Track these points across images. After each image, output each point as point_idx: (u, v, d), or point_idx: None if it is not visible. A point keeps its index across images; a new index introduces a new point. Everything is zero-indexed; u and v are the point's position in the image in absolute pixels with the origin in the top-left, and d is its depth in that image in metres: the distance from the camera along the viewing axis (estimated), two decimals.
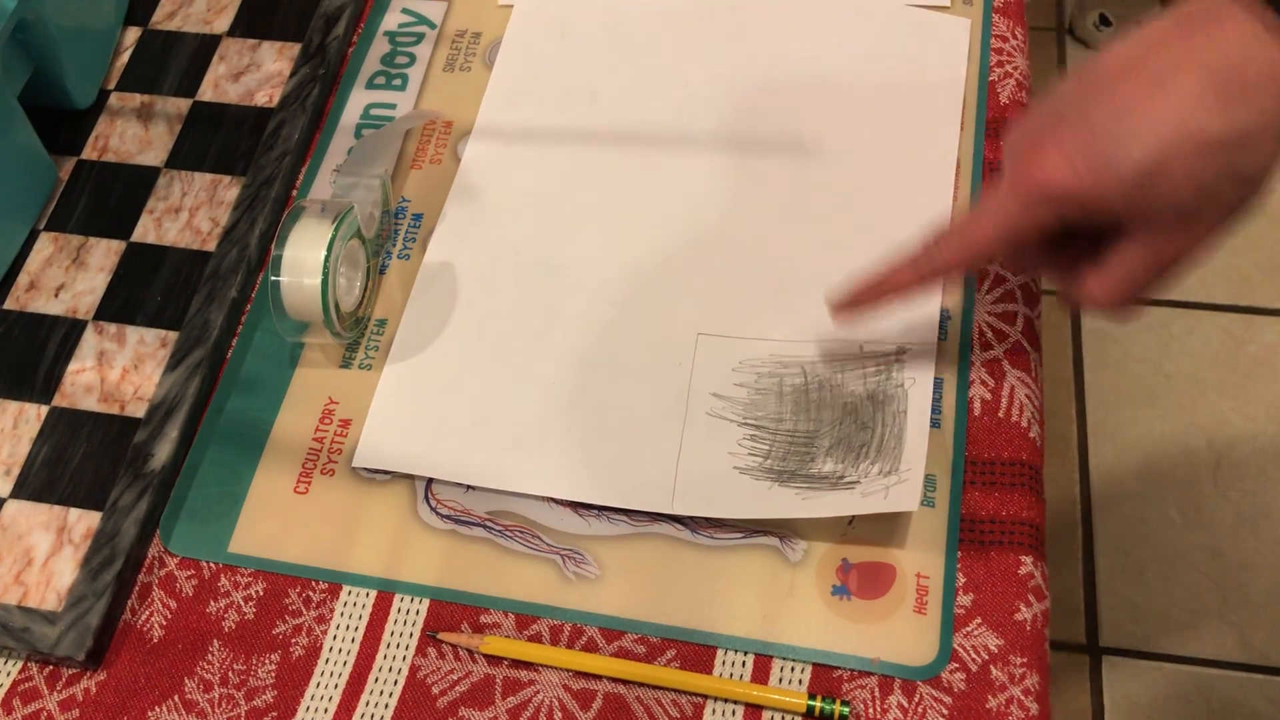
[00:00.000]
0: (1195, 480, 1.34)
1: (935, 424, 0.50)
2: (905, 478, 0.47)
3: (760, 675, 0.45)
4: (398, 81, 0.61)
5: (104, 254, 0.56)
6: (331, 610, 0.47)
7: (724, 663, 0.46)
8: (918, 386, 0.50)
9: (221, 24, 0.63)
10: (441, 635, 0.47)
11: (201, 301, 0.54)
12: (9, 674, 0.47)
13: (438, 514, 0.49)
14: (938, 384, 0.51)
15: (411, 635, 0.47)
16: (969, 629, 0.46)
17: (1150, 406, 1.40)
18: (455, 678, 0.46)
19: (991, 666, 0.45)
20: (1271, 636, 1.24)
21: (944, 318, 0.52)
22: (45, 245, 0.56)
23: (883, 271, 0.46)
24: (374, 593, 0.48)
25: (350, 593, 0.48)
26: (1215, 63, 0.38)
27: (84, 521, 0.49)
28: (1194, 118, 0.38)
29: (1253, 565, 1.28)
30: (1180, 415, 1.39)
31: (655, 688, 0.45)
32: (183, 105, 0.60)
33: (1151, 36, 0.40)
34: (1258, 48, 0.38)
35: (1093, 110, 0.40)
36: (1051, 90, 0.43)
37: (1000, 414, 0.50)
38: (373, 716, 0.45)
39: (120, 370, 0.52)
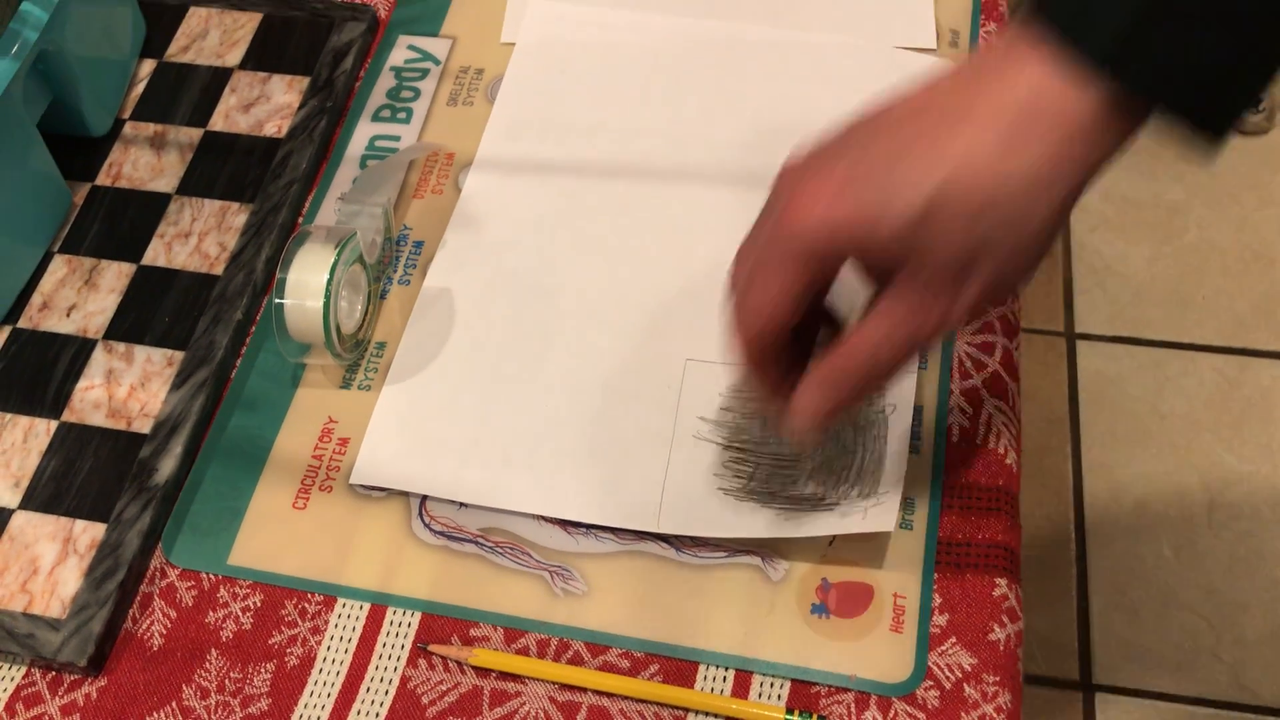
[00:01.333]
0: (1190, 519, 1.34)
1: (915, 450, 0.51)
2: (883, 500, 0.49)
3: (740, 690, 0.47)
4: (402, 115, 0.63)
5: (115, 276, 0.58)
6: (326, 622, 0.49)
7: (705, 677, 0.47)
8: (898, 413, 0.52)
9: (234, 57, 0.65)
10: (432, 647, 0.48)
11: (208, 323, 0.55)
12: (13, 679, 0.48)
13: (431, 530, 0.51)
14: (918, 411, 0.52)
15: (403, 647, 0.48)
16: (944, 648, 0.47)
17: (1145, 446, 1.41)
18: (444, 688, 0.47)
19: (965, 685, 0.46)
20: (1265, 676, 1.25)
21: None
22: (59, 267, 0.58)
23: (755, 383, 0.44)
24: (368, 605, 0.49)
25: (345, 605, 0.49)
26: (1001, 109, 0.36)
27: (89, 533, 0.50)
28: (972, 164, 0.36)
29: (1246, 605, 1.28)
30: (1175, 455, 1.40)
31: (638, 701, 0.47)
32: (194, 134, 0.62)
33: (943, 81, 0.38)
34: (1046, 97, 0.36)
35: (871, 147, 0.38)
36: (830, 131, 0.40)
37: (978, 441, 0.52)
38: None
39: (128, 388, 0.54)
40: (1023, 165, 0.36)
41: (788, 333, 0.41)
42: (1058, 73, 0.35)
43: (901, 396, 0.52)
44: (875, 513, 0.48)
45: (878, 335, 0.39)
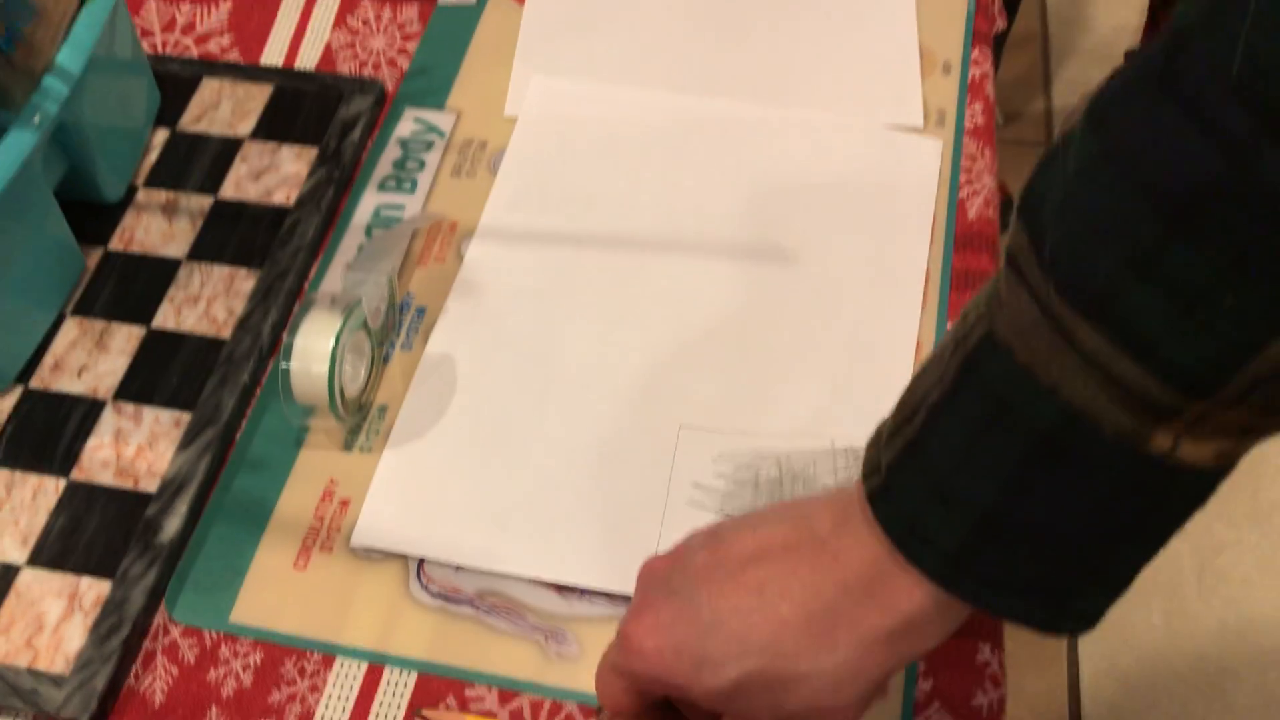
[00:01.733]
0: (1179, 586, 1.35)
1: None
2: None
3: None
4: (408, 185, 0.65)
5: (125, 338, 0.59)
6: (324, 680, 0.50)
7: None
8: None
9: (245, 127, 0.67)
10: (426, 712, 0.49)
11: (215, 385, 0.57)
12: None
13: (428, 592, 0.52)
14: None
15: (399, 706, 0.49)
16: (928, 713, 0.48)
17: None
18: None
19: None
20: None
21: None
22: (71, 329, 0.60)
23: None
24: (365, 665, 0.50)
25: (343, 664, 0.50)
26: (819, 597, 0.37)
27: (94, 589, 0.51)
28: (784, 653, 0.37)
29: (1236, 672, 1.29)
30: None
31: None
32: (205, 202, 0.64)
33: (778, 538, 0.39)
34: (878, 585, 0.36)
35: (701, 596, 0.39)
36: (685, 542, 0.41)
37: None
38: None
39: (136, 447, 0.55)
40: (837, 660, 0.37)
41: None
42: (891, 567, 0.36)
43: None
44: None
45: None
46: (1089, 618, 0.35)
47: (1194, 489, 0.33)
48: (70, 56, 0.56)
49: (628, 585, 0.51)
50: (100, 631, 0.50)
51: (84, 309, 0.60)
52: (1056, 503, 0.33)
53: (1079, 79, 1.82)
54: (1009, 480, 0.33)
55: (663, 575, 0.41)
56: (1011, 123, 1.81)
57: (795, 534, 0.39)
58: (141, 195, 0.65)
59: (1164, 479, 0.32)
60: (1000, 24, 0.82)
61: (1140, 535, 0.34)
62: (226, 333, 0.59)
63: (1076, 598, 0.35)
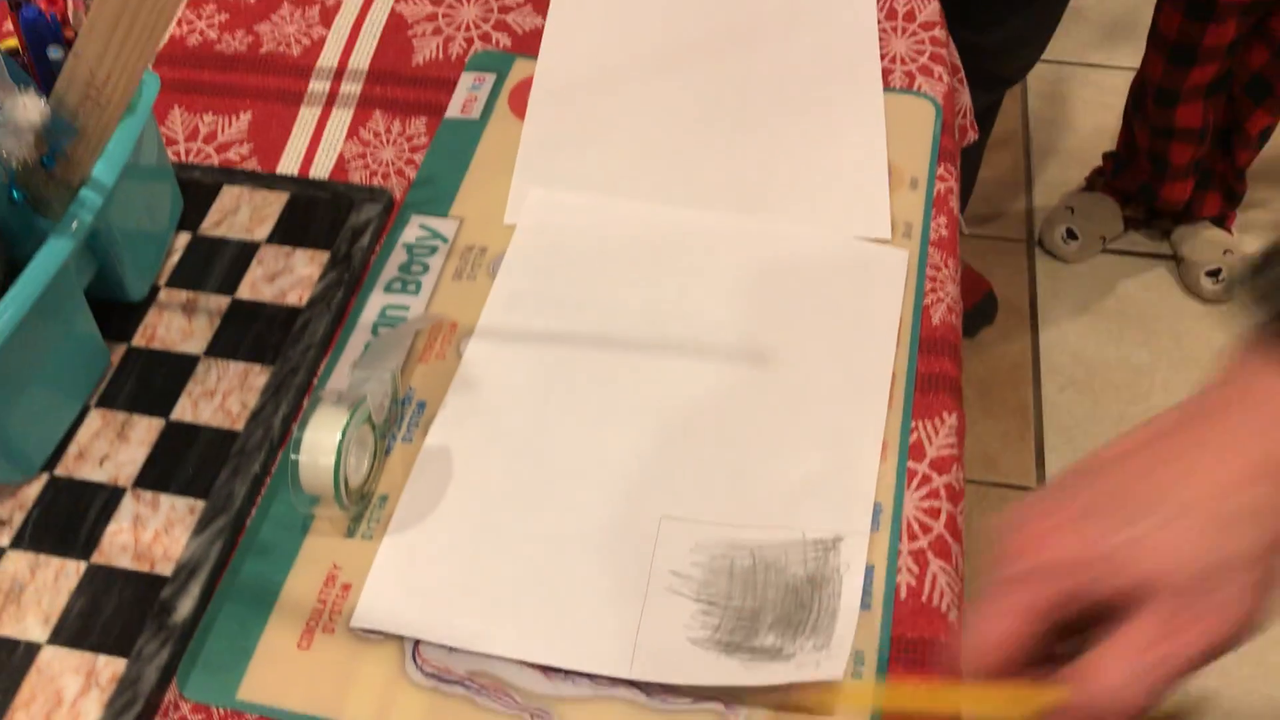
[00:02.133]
0: None
1: (866, 605, 0.57)
2: (835, 652, 0.54)
3: None
4: (412, 287, 0.70)
5: (145, 429, 0.63)
6: None
7: None
8: (852, 571, 0.57)
9: (261, 232, 0.72)
10: None
11: (228, 474, 0.61)
12: None
13: (422, 672, 0.56)
14: (869, 570, 0.58)
15: None
16: None
17: None
18: None
19: None
20: None
21: (877, 511, 0.60)
22: (94, 420, 0.64)
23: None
24: None
25: None
26: (1229, 444, 0.39)
27: (110, 667, 0.55)
28: (1205, 491, 0.38)
29: None
30: None
31: None
32: (223, 302, 0.69)
33: (1169, 421, 0.41)
34: (1272, 440, 0.38)
35: (1102, 481, 0.40)
36: (1049, 485, 0.42)
37: (923, 598, 0.57)
38: None
39: (153, 533, 0.59)
40: (1258, 497, 0.38)
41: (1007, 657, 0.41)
42: None
43: (854, 557, 0.58)
44: (828, 663, 0.53)
45: (1128, 665, 0.38)
46: None
47: None
48: (105, 170, 0.61)
49: (609, 667, 0.55)
50: (115, 708, 0.53)
51: (107, 401, 0.65)
52: None
53: (1059, 180, 1.89)
54: None
55: (1037, 507, 0.41)
56: (993, 221, 1.87)
57: (1186, 409, 0.41)
58: (164, 294, 0.69)
59: None
60: (972, 136, 0.88)
61: None
62: (240, 425, 0.63)
63: None
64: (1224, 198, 1.73)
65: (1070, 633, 0.40)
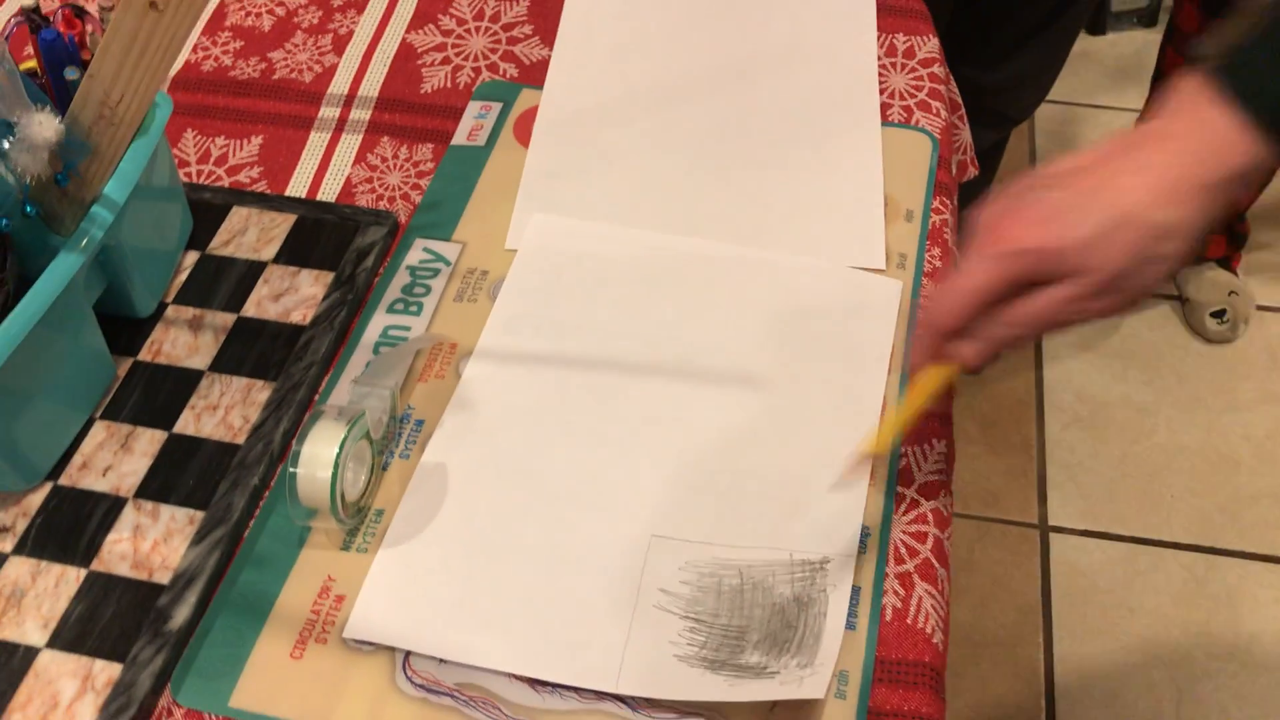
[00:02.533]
0: (1159, 715, 1.37)
1: (851, 626, 0.57)
2: (818, 671, 0.55)
3: None
4: (414, 308, 0.71)
5: (148, 441, 0.65)
6: None
7: None
8: (838, 592, 0.58)
9: (268, 252, 0.74)
10: None
11: (227, 487, 0.62)
12: None
13: (412, 683, 0.56)
14: (855, 591, 0.58)
15: None
16: None
17: (1115, 638, 1.45)
18: None
19: None
20: None
21: (864, 534, 0.61)
22: (99, 431, 0.65)
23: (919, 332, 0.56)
24: None
25: None
26: (1163, 169, 0.50)
27: (106, 672, 0.56)
28: (1139, 207, 0.50)
29: None
30: (1144, 649, 1.44)
31: None
32: (228, 319, 0.70)
33: (1103, 147, 0.52)
34: (1183, 160, 0.50)
35: (1061, 191, 0.51)
36: (1017, 181, 0.53)
37: (909, 620, 0.58)
38: None
39: (152, 542, 0.60)
40: (1171, 217, 0.50)
41: (967, 311, 0.53)
42: (1228, 134, 0.49)
43: (841, 578, 0.59)
44: (811, 681, 0.54)
45: (1041, 308, 0.52)
46: None
47: None
48: (116, 188, 0.62)
49: (596, 682, 0.55)
50: (109, 711, 0.54)
51: (112, 413, 0.66)
52: None
53: None
54: None
55: (1008, 199, 0.52)
56: None
57: (1132, 136, 0.51)
58: (171, 311, 0.71)
59: None
60: (972, 172, 0.89)
61: None
62: (241, 438, 0.65)
63: None
64: (1228, 240, 1.74)
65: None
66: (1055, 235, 0.50)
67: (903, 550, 0.60)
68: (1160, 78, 1.58)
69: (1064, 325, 0.53)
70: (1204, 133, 0.50)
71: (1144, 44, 2.20)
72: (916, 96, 0.82)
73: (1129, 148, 0.51)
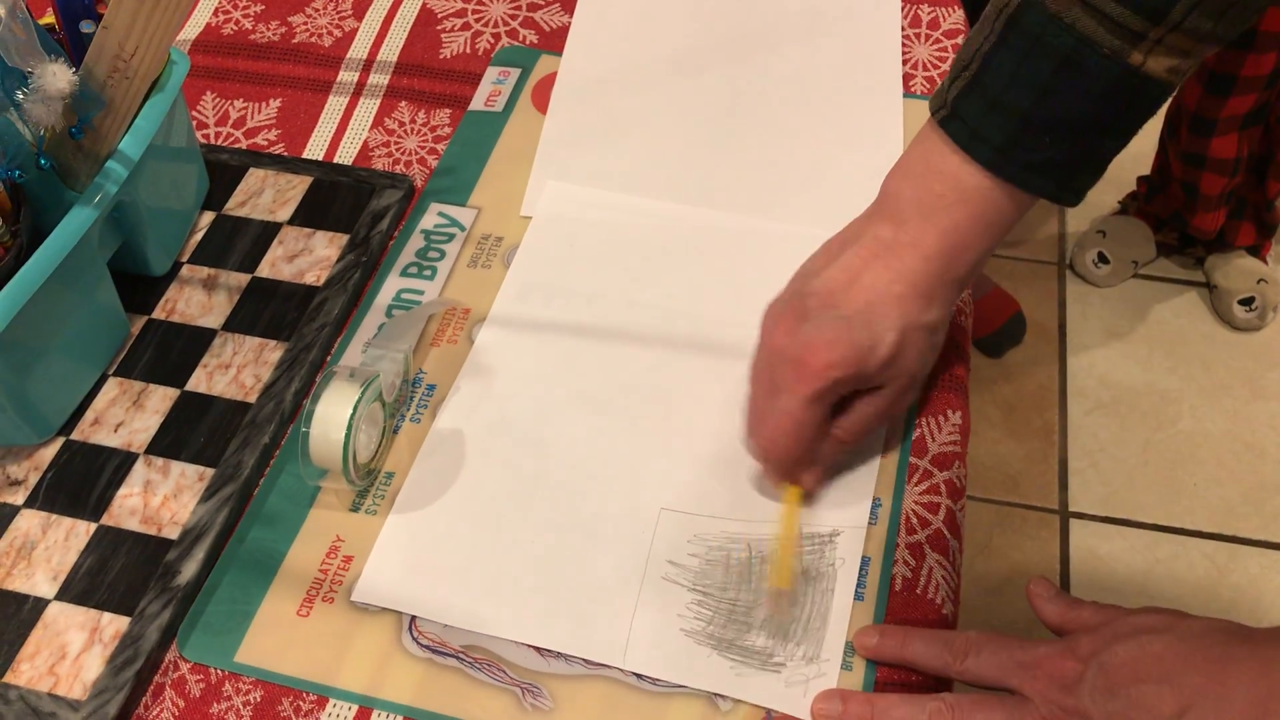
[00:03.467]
0: None
1: (860, 596, 0.57)
2: (824, 670, 0.54)
3: None
4: (428, 272, 0.71)
5: (160, 399, 0.65)
6: (317, 719, 0.54)
7: None
8: (847, 566, 0.58)
9: (284, 214, 0.74)
10: None
11: (238, 445, 0.62)
12: None
13: (418, 644, 0.56)
14: (864, 562, 0.58)
15: None
16: None
17: None
18: None
19: None
20: None
21: (875, 505, 0.60)
22: (112, 388, 0.65)
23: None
24: (356, 707, 0.54)
25: (335, 705, 0.55)
26: (920, 276, 0.56)
27: (114, 624, 0.56)
28: (913, 315, 0.56)
29: None
30: None
31: None
32: (243, 279, 0.70)
33: (857, 261, 0.57)
34: (933, 265, 0.56)
35: (836, 310, 0.56)
36: (782, 308, 0.59)
37: (918, 590, 0.57)
38: None
39: (162, 498, 0.61)
40: (935, 313, 0.57)
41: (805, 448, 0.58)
42: (932, 255, 0.56)
43: (850, 550, 0.58)
44: (817, 684, 0.54)
45: (864, 420, 0.59)
46: (1081, 192, 0.55)
47: (1154, 96, 0.53)
48: (131, 144, 0.62)
49: (603, 655, 0.55)
50: (116, 663, 0.55)
51: (125, 370, 0.66)
52: (1072, 102, 0.52)
53: (1092, 201, 1.88)
54: (1043, 88, 0.52)
55: (794, 311, 0.57)
56: (1024, 243, 1.87)
57: (872, 250, 0.57)
58: (186, 270, 0.71)
59: (1137, 85, 0.52)
60: None
61: (1118, 129, 0.53)
62: (252, 397, 0.64)
63: (1077, 175, 0.55)
64: (1258, 228, 1.71)
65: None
66: (856, 359, 0.55)
67: (914, 521, 0.59)
68: None
69: (883, 424, 0.61)
70: (948, 236, 0.56)
71: None
72: (940, 68, 0.81)
73: (880, 255, 0.56)
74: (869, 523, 0.59)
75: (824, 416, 0.57)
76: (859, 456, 0.62)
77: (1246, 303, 1.71)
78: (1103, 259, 1.78)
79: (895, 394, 0.58)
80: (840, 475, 0.61)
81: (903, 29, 0.84)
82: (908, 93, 0.80)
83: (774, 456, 0.58)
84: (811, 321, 0.56)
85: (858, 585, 0.57)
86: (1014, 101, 0.53)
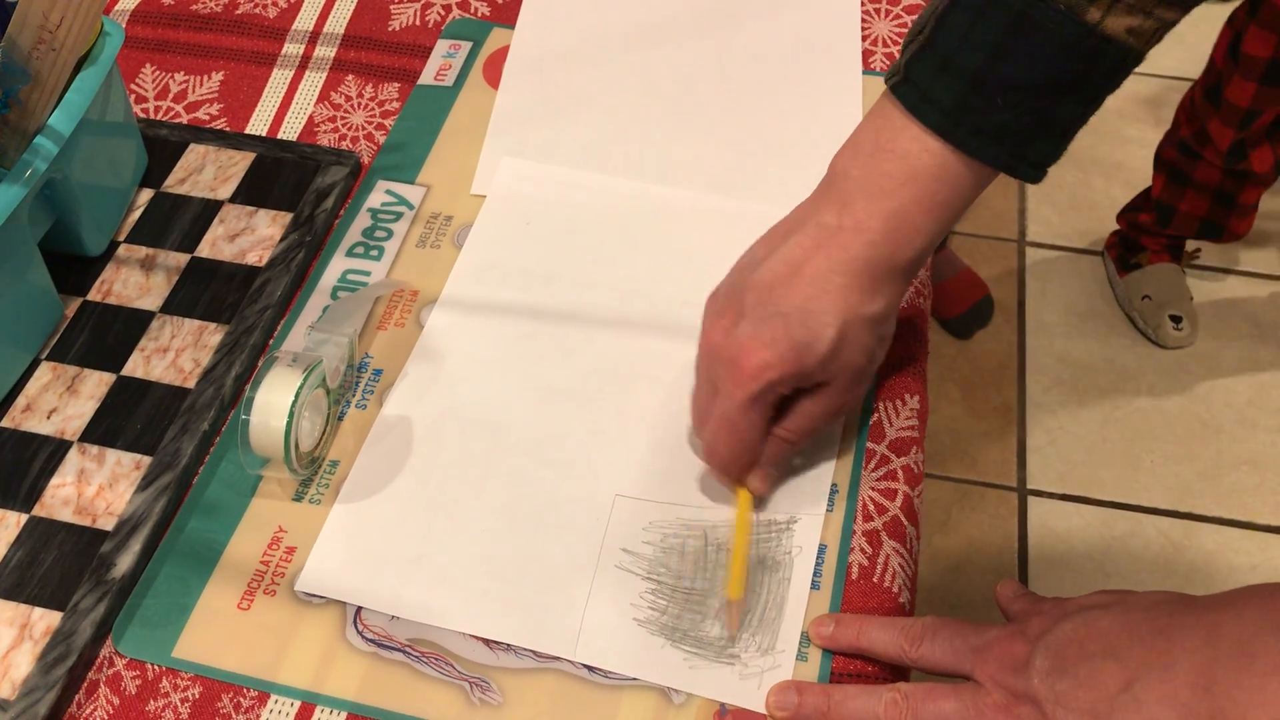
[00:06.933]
0: None
1: (816, 585, 0.56)
2: (780, 661, 0.53)
3: None
4: (374, 252, 0.69)
5: (95, 384, 0.63)
6: (258, 716, 0.52)
7: None
8: (804, 554, 0.57)
9: (225, 191, 0.71)
10: None
11: (176, 432, 0.60)
12: None
13: (363, 637, 0.55)
14: (821, 549, 0.57)
15: None
16: None
17: None
18: None
19: None
20: None
21: (833, 491, 0.59)
22: (44, 373, 0.63)
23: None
24: (298, 704, 0.53)
25: (276, 701, 0.53)
26: (863, 264, 0.53)
27: (45, 620, 0.54)
28: (855, 307, 0.53)
29: None
30: None
31: None
32: (182, 259, 0.68)
33: (798, 252, 0.54)
34: (878, 251, 0.53)
35: (774, 306, 0.53)
36: (722, 302, 0.56)
37: (875, 579, 0.56)
38: None
39: (97, 487, 0.58)
40: (880, 304, 0.54)
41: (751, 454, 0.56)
42: (879, 240, 0.53)
43: (807, 538, 0.57)
44: (771, 675, 0.53)
45: (809, 419, 0.56)
46: (1040, 166, 0.52)
47: (1115, 59, 0.50)
48: (62, 119, 0.60)
49: (554, 646, 0.54)
50: (47, 660, 0.53)
51: (59, 355, 0.64)
52: (1025, 62, 0.49)
53: (1051, 176, 1.88)
54: (995, 47, 0.49)
55: (733, 306, 0.55)
56: (983, 219, 1.86)
57: (814, 238, 0.54)
58: (122, 250, 0.68)
59: (1096, 45, 0.49)
60: None
61: (1078, 92, 0.50)
62: (191, 382, 0.62)
63: (1032, 143, 0.51)
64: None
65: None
66: (794, 358, 0.53)
67: (871, 508, 0.58)
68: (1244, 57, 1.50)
69: (831, 422, 0.58)
70: (893, 219, 0.53)
71: None
72: (900, 44, 0.80)
73: (822, 244, 0.53)
74: (826, 509, 0.58)
75: (765, 418, 0.55)
76: (816, 441, 0.60)
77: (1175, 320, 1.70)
78: (1176, 321, 1.71)
79: (841, 390, 0.56)
80: (797, 461, 0.60)
81: (862, 4, 0.82)
82: (867, 69, 0.78)
83: (715, 460, 0.56)
84: (748, 319, 0.54)
85: (814, 574, 0.56)
86: (965, 62, 0.50)
